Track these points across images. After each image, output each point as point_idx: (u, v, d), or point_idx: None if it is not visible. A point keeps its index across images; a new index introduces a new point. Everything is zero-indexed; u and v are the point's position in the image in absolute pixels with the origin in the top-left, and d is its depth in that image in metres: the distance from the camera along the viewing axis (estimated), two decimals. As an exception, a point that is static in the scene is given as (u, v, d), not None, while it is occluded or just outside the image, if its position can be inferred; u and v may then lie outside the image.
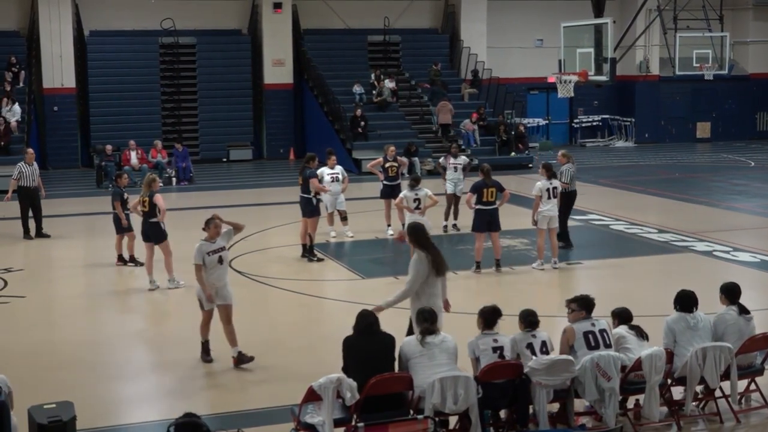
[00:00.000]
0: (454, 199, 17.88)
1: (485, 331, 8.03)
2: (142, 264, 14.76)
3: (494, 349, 7.89)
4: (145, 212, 13.70)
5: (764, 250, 15.98)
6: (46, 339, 11.55)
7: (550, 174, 14.67)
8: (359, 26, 32.64)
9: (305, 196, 15.75)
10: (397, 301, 9.03)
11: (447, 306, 9.17)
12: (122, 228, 15.00)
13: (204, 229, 10.09)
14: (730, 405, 8.39)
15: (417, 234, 9.08)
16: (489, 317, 8.04)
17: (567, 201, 15.68)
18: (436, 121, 29.82)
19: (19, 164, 18.07)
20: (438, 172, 18.89)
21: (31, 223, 17.98)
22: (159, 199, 13.58)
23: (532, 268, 14.74)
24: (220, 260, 9.96)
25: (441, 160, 18.57)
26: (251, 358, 9.94)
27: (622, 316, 8.54)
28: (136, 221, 14.55)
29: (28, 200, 17.85)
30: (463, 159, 18.30)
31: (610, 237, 17.74)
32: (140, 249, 14.86)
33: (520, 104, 33.58)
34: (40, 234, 17.85)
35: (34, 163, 18.14)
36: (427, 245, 8.99)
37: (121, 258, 15.24)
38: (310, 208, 15.67)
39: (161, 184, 16.71)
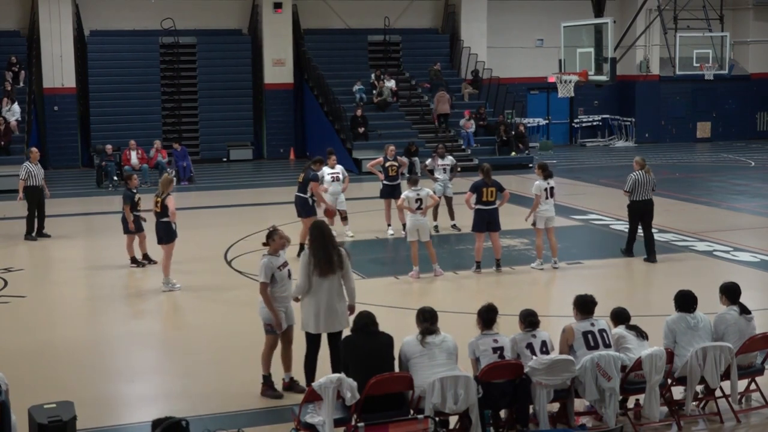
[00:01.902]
0: (445, 201, 17.78)
1: (485, 331, 8.02)
2: (155, 262, 14.81)
3: (494, 350, 7.89)
4: (158, 212, 13.74)
5: (765, 249, 15.98)
6: (46, 339, 11.55)
7: (547, 173, 14.65)
8: (359, 26, 32.66)
9: (302, 195, 15.73)
10: (294, 295, 9.08)
11: (351, 311, 8.85)
12: (129, 230, 14.98)
13: (266, 243, 9.24)
14: (730, 405, 8.39)
15: (311, 233, 8.89)
16: (486, 316, 8.04)
17: (631, 211, 15.20)
18: (434, 112, 29.88)
19: (26, 164, 17.99)
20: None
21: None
22: (170, 200, 13.63)
23: (532, 268, 14.74)
24: (290, 275, 9.18)
25: (428, 162, 18.46)
26: (303, 390, 8.82)
27: (620, 317, 8.53)
28: (149, 221, 14.49)
29: (36, 200, 17.78)
30: (450, 160, 18.20)
31: (610, 237, 17.73)
32: (152, 248, 14.97)
33: (521, 104, 33.61)
34: (40, 234, 17.83)
35: (38, 163, 18.12)
36: (314, 245, 8.78)
37: (134, 260, 15.22)
38: (307, 209, 15.66)
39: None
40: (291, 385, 9.25)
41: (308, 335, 8.89)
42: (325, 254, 8.69)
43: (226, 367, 10.23)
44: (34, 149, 18.71)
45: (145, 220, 14.94)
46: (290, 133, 31.82)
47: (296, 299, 9.04)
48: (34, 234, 17.77)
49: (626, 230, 17.65)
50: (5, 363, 9.37)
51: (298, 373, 9.23)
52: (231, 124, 31.03)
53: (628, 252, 15.35)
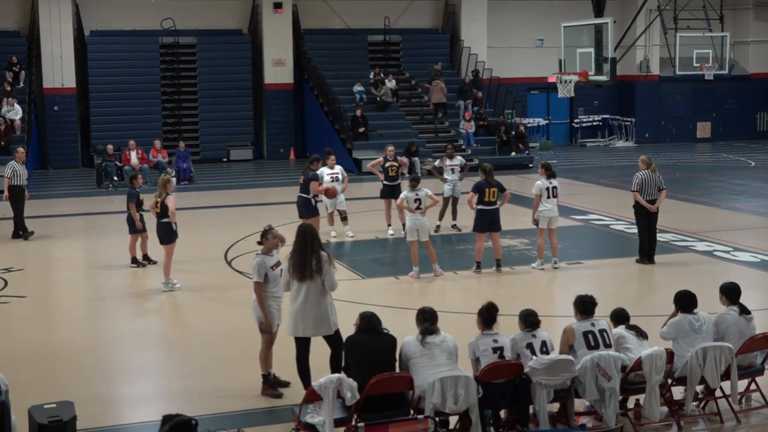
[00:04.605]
0: (452, 201, 17.80)
1: (485, 331, 8.02)
2: (155, 262, 14.82)
3: (494, 350, 7.88)
4: (158, 213, 13.76)
5: (764, 250, 15.97)
6: (46, 339, 11.55)
7: (549, 173, 14.62)
8: (359, 26, 32.67)
9: (304, 196, 15.80)
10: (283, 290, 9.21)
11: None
12: (136, 229, 14.99)
13: (260, 243, 9.34)
14: (730, 405, 8.39)
15: (297, 234, 8.78)
16: (487, 315, 8.03)
17: (637, 212, 14.90)
18: (430, 102, 30.12)
19: (12, 163, 17.83)
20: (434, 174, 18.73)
21: (10, 225, 17.79)
22: (170, 201, 13.64)
23: (532, 268, 14.73)
24: (281, 274, 9.12)
25: (437, 162, 18.45)
26: (285, 383, 9.33)
27: (619, 317, 8.54)
28: (150, 221, 14.49)
29: (21, 199, 17.67)
30: (459, 159, 18.19)
31: (610, 237, 17.74)
32: (153, 249, 14.98)
33: (521, 104, 33.62)
34: (18, 235, 17.67)
35: (24, 164, 18.03)
36: (293, 249, 8.71)
37: (134, 260, 15.22)
38: (309, 209, 15.70)
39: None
40: (275, 380, 9.35)
41: (295, 338, 8.89)
42: (301, 260, 8.65)
43: (226, 367, 10.23)
44: (20, 149, 18.71)
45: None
46: (290, 133, 31.82)
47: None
48: (20, 232, 17.65)
49: (626, 230, 17.76)
50: (5, 363, 9.38)
51: (287, 374, 9.28)
52: (231, 124, 31.03)
53: (644, 259, 14.92)
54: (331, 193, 16.19)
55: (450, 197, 17.75)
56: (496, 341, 7.94)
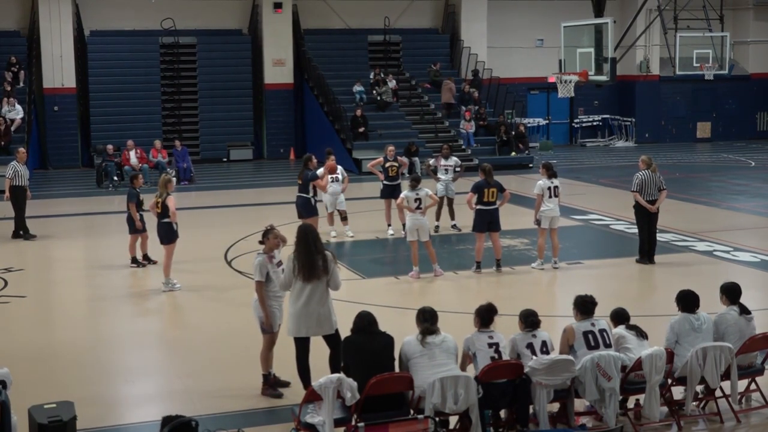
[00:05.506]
0: (446, 201, 17.76)
1: (481, 329, 8.03)
2: (155, 262, 14.82)
3: (489, 345, 7.90)
4: (159, 213, 13.76)
5: (765, 249, 15.97)
6: (46, 338, 11.56)
7: (551, 173, 14.61)
8: (359, 26, 32.67)
9: (304, 196, 15.82)
10: (281, 289, 9.15)
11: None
12: (136, 229, 14.98)
13: (261, 242, 9.35)
14: (730, 405, 8.39)
15: (296, 236, 8.75)
16: (485, 315, 8.04)
17: (637, 212, 14.91)
18: (439, 100, 30.33)
19: (13, 163, 17.83)
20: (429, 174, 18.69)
21: (10, 225, 17.80)
22: (170, 201, 13.64)
23: (532, 268, 14.73)
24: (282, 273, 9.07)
25: (431, 162, 18.42)
26: (285, 383, 9.37)
27: (619, 317, 8.54)
28: (151, 221, 14.49)
29: (22, 200, 17.66)
30: (454, 160, 18.15)
31: (610, 237, 17.74)
32: (153, 249, 14.99)
33: (521, 104, 33.63)
34: (18, 235, 17.66)
35: (25, 164, 18.01)
36: (298, 250, 8.67)
37: (134, 260, 15.21)
38: (308, 209, 15.71)
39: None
40: (275, 380, 9.34)
41: (295, 339, 8.88)
42: (308, 259, 8.63)
43: (226, 367, 10.23)
44: (21, 149, 18.70)
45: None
46: (290, 133, 31.82)
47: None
48: (21, 233, 17.64)
49: (626, 230, 17.75)
50: (5, 363, 9.35)
51: (287, 374, 9.28)
52: (231, 124, 31.04)
53: (644, 259, 14.93)
54: (331, 168, 16.25)
55: (443, 197, 17.69)
56: (491, 337, 7.96)
